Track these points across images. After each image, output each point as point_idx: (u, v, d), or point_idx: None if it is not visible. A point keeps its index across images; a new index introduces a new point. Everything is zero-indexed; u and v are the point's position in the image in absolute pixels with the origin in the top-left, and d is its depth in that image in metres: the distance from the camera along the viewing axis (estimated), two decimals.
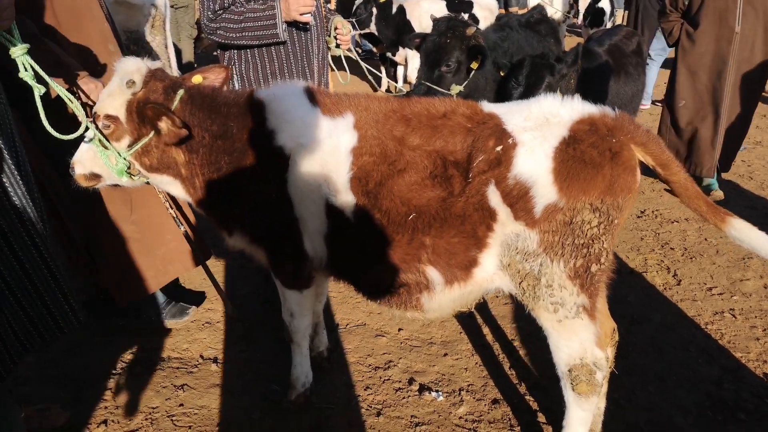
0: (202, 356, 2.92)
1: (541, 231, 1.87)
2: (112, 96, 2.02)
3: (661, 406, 2.57)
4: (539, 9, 4.49)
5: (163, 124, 1.99)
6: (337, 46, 3.14)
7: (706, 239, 4.13)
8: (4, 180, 1.79)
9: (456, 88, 3.54)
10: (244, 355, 2.92)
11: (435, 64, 3.54)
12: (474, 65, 3.46)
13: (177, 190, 2.23)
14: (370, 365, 2.85)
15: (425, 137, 1.99)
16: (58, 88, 1.93)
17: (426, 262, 2.05)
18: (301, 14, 2.71)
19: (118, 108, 2.02)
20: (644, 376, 2.74)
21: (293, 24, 2.79)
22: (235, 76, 2.94)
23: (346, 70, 3.27)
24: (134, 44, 4.31)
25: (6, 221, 1.79)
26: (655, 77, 7.22)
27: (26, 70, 1.82)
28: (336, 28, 3.09)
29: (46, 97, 1.88)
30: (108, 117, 2.02)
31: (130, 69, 2.03)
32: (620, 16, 11.41)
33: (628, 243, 4.08)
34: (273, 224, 2.17)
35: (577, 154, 1.80)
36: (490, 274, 2.04)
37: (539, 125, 1.87)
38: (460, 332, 3.09)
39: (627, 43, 4.20)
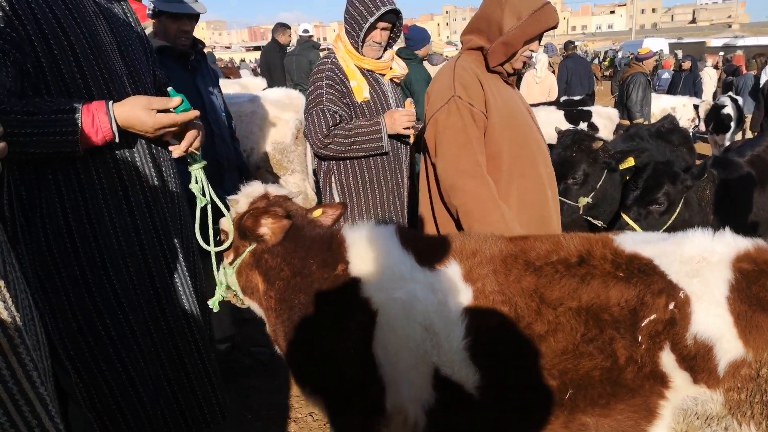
0: None
1: (726, 390, 1.59)
2: (228, 216, 2.05)
3: None
4: (670, 119, 4.44)
5: (265, 228, 1.93)
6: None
7: None
8: (176, 278, 2.02)
9: (583, 200, 3.52)
10: None
11: (561, 177, 3.57)
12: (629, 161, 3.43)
13: (267, 321, 2.05)
14: None
15: (567, 290, 1.65)
16: (220, 204, 2.08)
17: None
18: (404, 128, 2.98)
19: (228, 225, 2.05)
20: None
21: (393, 135, 3.04)
22: (333, 185, 3.13)
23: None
24: (279, 154, 4.80)
25: (173, 317, 1.99)
26: None
27: (196, 182, 2.04)
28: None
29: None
30: (224, 232, 2.07)
31: (245, 191, 2.10)
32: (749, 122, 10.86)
33: None
34: (346, 383, 1.86)
35: (753, 301, 1.57)
36: None
37: (700, 269, 1.64)
38: None
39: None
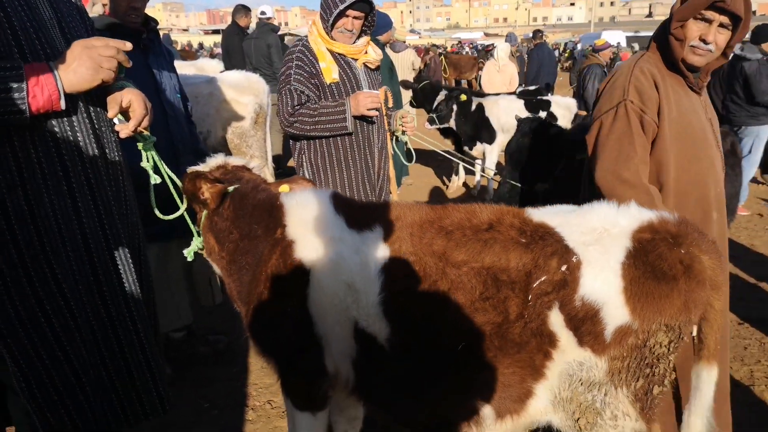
0: None
1: (610, 357, 1.69)
2: (180, 187, 2.18)
3: None
4: None
5: (206, 192, 2.07)
6: (403, 133, 3.44)
7: None
8: (119, 265, 1.93)
9: (541, 186, 3.57)
10: None
11: (518, 164, 3.61)
12: None
13: (225, 282, 2.21)
14: None
15: (472, 253, 1.78)
16: (172, 179, 2.12)
17: (475, 394, 1.85)
18: (368, 109, 3.03)
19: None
20: None
21: (359, 117, 3.11)
22: (305, 163, 3.23)
23: (412, 155, 3.64)
24: (238, 138, 4.69)
25: (114, 306, 1.90)
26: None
27: (148, 161, 2.03)
28: (402, 117, 3.40)
29: None
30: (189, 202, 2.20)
31: (208, 161, 2.24)
32: None
33: (731, 352, 3.77)
34: (288, 340, 1.99)
35: (647, 269, 1.65)
36: (545, 406, 1.84)
37: (600, 238, 1.73)
38: None
39: (721, 143, 4.10)
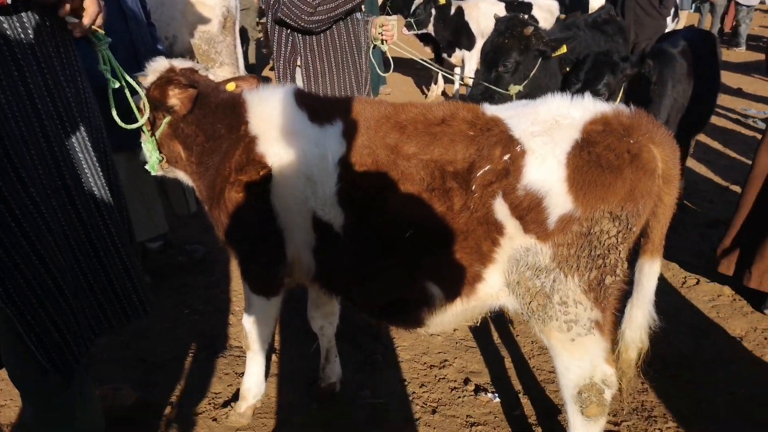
0: None
1: (555, 244, 1.73)
2: (141, 92, 2.08)
3: (730, 419, 2.47)
4: (606, 9, 4.39)
5: (174, 98, 2.05)
6: (383, 42, 3.33)
7: None
8: (86, 169, 1.89)
9: (515, 88, 3.48)
10: (305, 346, 2.98)
11: (493, 65, 3.50)
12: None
13: (195, 187, 2.27)
14: (425, 363, 2.86)
15: (421, 146, 1.83)
16: (132, 82, 2.03)
17: (425, 278, 1.94)
18: None
19: (142, 100, 2.09)
20: (712, 389, 2.63)
21: (346, 18, 3.02)
22: (299, 67, 3.14)
23: (390, 65, 3.56)
24: (206, 44, 4.48)
25: (86, 210, 1.89)
26: None
27: (105, 64, 1.92)
28: (383, 26, 3.28)
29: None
30: (140, 110, 2.08)
31: (151, 66, 2.16)
32: (684, 17, 10.96)
33: (691, 251, 3.92)
34: (251, 232, 2.08)
35: (592, 159, 1.66)
36: (495, 290, 1.92)
37: (549, 129, 1.74)
38: (517, 335, 3.06)
39: (701, 45, 4.04)
